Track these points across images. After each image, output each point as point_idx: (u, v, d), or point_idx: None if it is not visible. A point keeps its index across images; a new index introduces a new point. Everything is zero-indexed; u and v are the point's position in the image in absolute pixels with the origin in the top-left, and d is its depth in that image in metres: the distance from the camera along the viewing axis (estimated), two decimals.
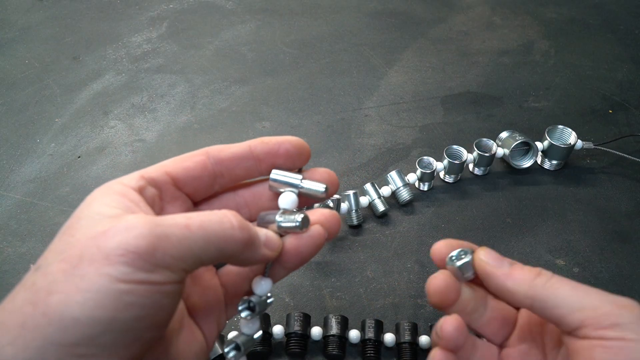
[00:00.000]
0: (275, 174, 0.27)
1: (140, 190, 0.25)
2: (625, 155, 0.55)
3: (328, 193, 0.28)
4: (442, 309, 0.29)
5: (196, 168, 0.27)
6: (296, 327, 0.40)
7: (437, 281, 0.28)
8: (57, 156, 0.59)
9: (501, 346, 0.30)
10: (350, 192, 0.49)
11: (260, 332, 0.28)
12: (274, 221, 0.26)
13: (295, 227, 0.26)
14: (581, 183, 0.55)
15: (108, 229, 0.21)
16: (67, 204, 0.53)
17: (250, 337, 0.27)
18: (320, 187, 0.27)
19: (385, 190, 0.52)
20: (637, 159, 0.55)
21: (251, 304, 0.27)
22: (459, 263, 0.28)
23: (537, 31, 0.80)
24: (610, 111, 0.65)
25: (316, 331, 0.41)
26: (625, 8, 0.85)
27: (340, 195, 0.49)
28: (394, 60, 0.74)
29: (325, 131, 0.62)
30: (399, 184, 0.52)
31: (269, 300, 0.28)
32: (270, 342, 0.40)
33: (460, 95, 0.68)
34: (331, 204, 0.47)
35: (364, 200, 0.50)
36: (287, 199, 0.27)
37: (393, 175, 0.52)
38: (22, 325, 0.20)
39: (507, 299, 0.27)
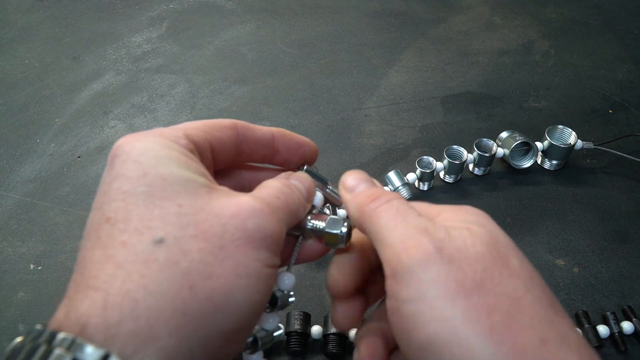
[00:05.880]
0: (308, 170, 0.29)
1: (192, 153, 0.23)
2: (625, 155, 0.55)
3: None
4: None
5: (229, 142, 0.26)
6: (296, 325, 0.40)
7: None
8: (57, 156, 0.59)
9: None
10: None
11: (281, 331, 0.28)
12: (316, 227, 0.27)
13: (339, 236, 0.26)
14: (581, 183, 0.55)
15: (238, 209, 0.21)
16: (67, 204, 0.53)
17: (269, 332, 0.27)
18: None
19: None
20: (637, 159, 0.55)
21: (272, 299, 0.27)
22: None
23: (537, 31, 0.80)
24: (610, 111, 0.65)
25: (316, 330, 0.41)
26: (625, 8, 0.85)
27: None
28: (394, 60, 0.74)
29: (325, 131, 0.62)
30: (398, 184, 0.51)
31: (290, 300, 0.28)
32: None
33: (460, 95, 0.68)
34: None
35: None
36: (315, 197, 0.29)
37: (391, 175, 0.52)
38: (183, 313, 0.18)
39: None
